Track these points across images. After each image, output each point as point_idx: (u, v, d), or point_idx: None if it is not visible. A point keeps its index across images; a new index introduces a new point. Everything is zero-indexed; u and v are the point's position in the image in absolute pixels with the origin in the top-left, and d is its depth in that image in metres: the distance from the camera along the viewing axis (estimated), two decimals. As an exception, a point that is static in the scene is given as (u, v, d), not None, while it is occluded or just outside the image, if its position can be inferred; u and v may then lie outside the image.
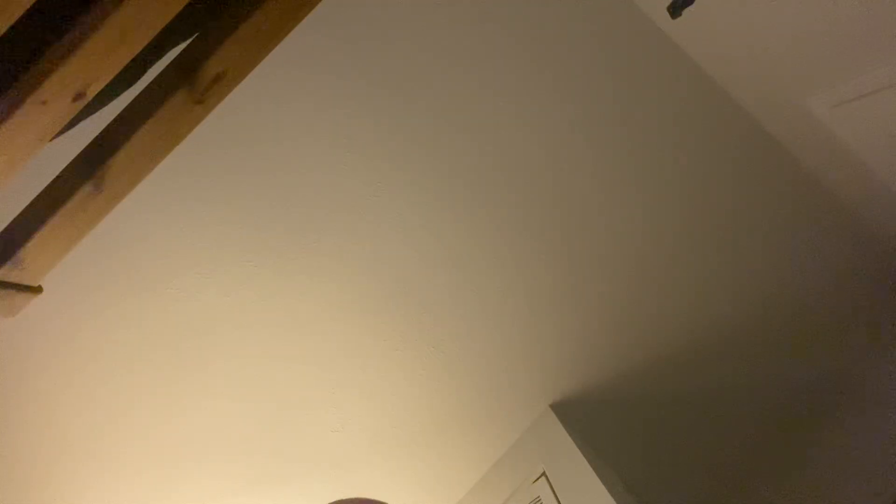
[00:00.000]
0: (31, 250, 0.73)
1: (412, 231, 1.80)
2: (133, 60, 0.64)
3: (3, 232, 0.73)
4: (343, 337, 1.87)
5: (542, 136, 1.78)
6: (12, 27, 0.54)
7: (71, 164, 0.73)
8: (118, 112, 0.72)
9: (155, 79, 0.71)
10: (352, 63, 1.61)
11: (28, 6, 0.54)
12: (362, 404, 1.94)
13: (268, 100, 1.59)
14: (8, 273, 0.73)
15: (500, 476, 2.00)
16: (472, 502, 2.05)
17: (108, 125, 0.72)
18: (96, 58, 0.60)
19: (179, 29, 0.70)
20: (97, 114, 0.73)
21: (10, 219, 0.73)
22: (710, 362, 2.08)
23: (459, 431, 2.03)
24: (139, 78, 0.73)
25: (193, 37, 0.72)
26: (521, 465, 1.90)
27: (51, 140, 0.66)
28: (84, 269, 1.60)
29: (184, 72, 0.70)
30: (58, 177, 0.73)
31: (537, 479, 1.71)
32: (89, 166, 0.71)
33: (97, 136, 0.73)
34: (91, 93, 0.63)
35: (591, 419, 2.07)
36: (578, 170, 1.83)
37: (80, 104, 0.63)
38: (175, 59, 0.71)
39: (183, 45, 0.72)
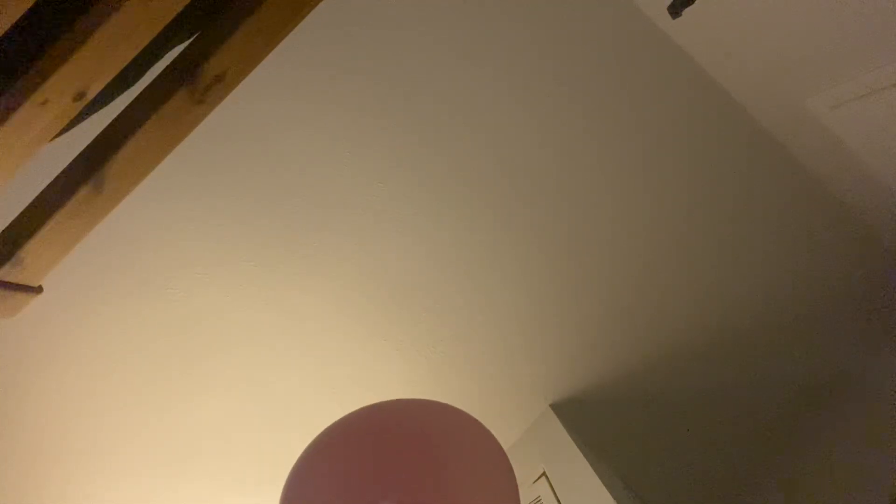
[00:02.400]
0: (31, 250, 0.72)
1: (413, 230, 1.80)
2: (133, 60, 0.64)
3: (3, 232, 0.73)
4: (343, 336, 1.86)
5: (544, 135, 1.78)
6: (13, 27, 0.54)
7: (71, 164, 0.72)
8: (118, 112, 0.72)
9: (155, 79, 0.71)
10: (354, 60, 1.61)
11: (28, 6, 0.53)
12: (363, 403, 1.94)
13: (268, 97, 1.59)
14: (8, 273, 0.73)
15: (500, 476, 1.99)
16: (472, 502, 2.05)
17: (109, 125, 0.72)
18: (96, 58, 0.60)
19: (179, 29, 0.70)
20: (97, 114, 0.73)
21: (10, 219, 0.73)
22: (711, 362, 2.08)
23: (459, 431, 2.03)
24: (139, 78, 0.73)
25: (193, 37, 0.72)
26: (521, 465, 1.90)
27: (51, 140, 0.66)
28: (82, 267, 1.60)
29: (184, 72, 0.70)
30: (58, 177, 0.73)
31: (537, 479, 1.71)
32: (89, 166, 0.71)
33: (97, 136, 0.73)
34: (91, 93, 0.63)
35: (591, 419, 2.07)
36: (579, 169, 1.82)
37: (81, 104, 0.63)
38: (175, 59, 0.71)
39: (183, 45, 0.72)
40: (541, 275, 1.92)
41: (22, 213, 0.73)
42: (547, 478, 1.68)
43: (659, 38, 1.70)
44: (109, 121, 0.72)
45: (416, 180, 1.76)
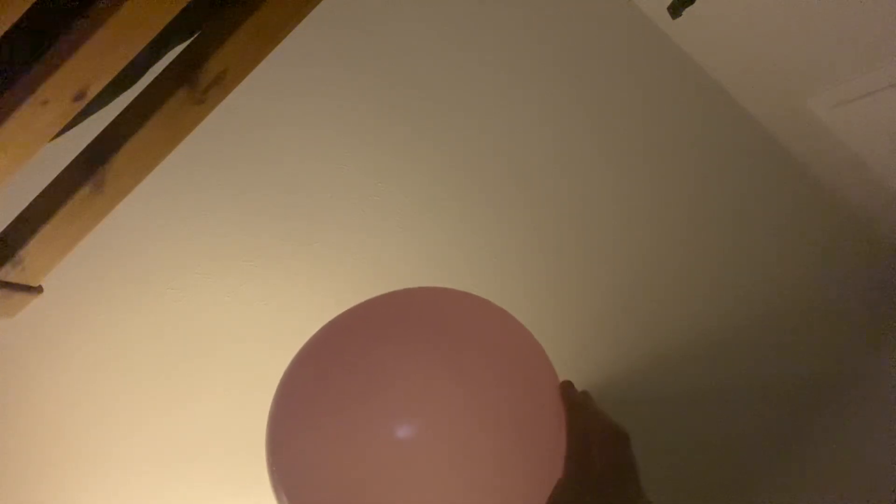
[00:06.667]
0: (32, 250, 0.72)
1: (414, 229, 1.80)
2: (133, 60, 0.64)
3: (3, 232, 0.73)
4: (343, 337, 1.86)
5: (544, 134, 1.78)
6: (12, 27, 0.54)
7: (71, 164, 0.73)
8: (118, 112, 0.72)
9: (155, 79, 0.71)
10: (353, 57, 1.61)
11: (28, 6, 0.53)
12: (362, 404, 1.93)
13: (269, 93, 1.59)
14: (8, 273, 0.73)
15: (500, 476, 1.99)
16: (472, 502, 2.05)
17: (109, 125, 0.72)
18: (96, 58, 0.60)
19: (179, 29, 0.70)
20: (97, 114, 0.73)
21: (11, 219, 0.73)
22: (711, 362, 2.08)
23: (459, 431, 2.03)
24: (139, 78, 0.73)
25: (194, 37, 0.72)
26: (521, 465, 1.90)
27: (51, 140, 0.66)
28: (82, 267, 1.60)
29: (184, 71, 0.70)
30: (58, 177, 0.73)
31: (537, 478, 1.71)
32: (89, 166, 0.71)
33: (97, 136, 0.73)
34: (91, 93, 0.63)
35: (591, 419, 2.06)
36: (579, 169, 1.83)
37: (81, 104, 0.63)
38: (175, 58, 0.71)
39: (183, 45, 0.72)
40: (540, 274, 1.92)
41: (22, 213, 0.73)
42: (547, 478, 1.67)
43: (659, 38, 1.70)
44: (109, 121, 0.72)
45: (417, 177, 1.76)
